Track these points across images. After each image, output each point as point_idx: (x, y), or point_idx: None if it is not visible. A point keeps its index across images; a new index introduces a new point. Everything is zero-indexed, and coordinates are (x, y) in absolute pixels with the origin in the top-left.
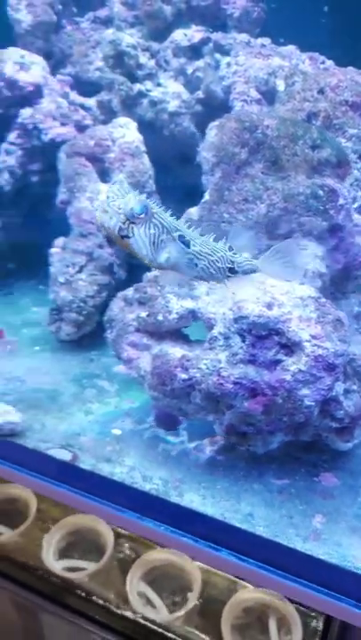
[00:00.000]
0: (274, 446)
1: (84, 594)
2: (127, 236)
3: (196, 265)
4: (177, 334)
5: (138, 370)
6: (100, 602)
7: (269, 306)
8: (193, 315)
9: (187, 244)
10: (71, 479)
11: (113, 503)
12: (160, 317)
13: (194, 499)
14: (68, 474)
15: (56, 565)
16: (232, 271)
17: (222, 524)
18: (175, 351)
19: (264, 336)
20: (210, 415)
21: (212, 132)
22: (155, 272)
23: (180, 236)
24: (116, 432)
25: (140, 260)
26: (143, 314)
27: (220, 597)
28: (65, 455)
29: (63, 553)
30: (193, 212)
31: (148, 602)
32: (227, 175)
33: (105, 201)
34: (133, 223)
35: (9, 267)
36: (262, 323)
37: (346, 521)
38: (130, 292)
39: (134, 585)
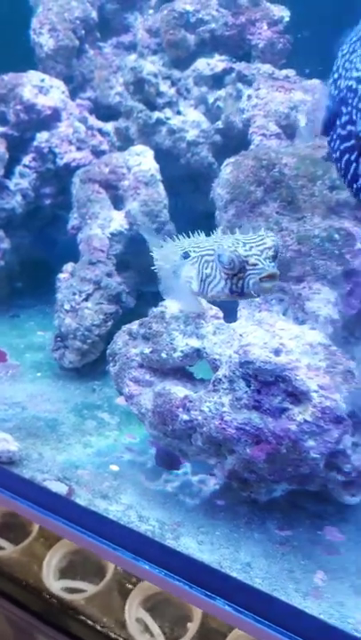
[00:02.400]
0: (277, 494)
1: (81, 617)
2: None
3: None
4: (181, 372)
5: (139, 407)
6: (97, 626)
7: (277, 352)
8: (198, 354)
9: None
10: (66, 512)
11: (108, 540)
12: (164, 355)
13: (190, 544)
14: (64, 507)
15: (55, 585)
16: None
17: (219, 572)
18: (178, 390)
19: (270, 382)
20: (211, 458)
21: (228, 168)
22: (161, 307)
23: None
24: (114, 468)
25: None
26: (147, 350)
27: (221, 630)
28: (61, 488)
29: (64, 573)
30: None
31: (147, 629)
32: (241, 213)
33: (257, 259)
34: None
35: (16, 287)
36: (269, 369)
37: (350, 580)
38: (135, 325)
39: (133, 611)
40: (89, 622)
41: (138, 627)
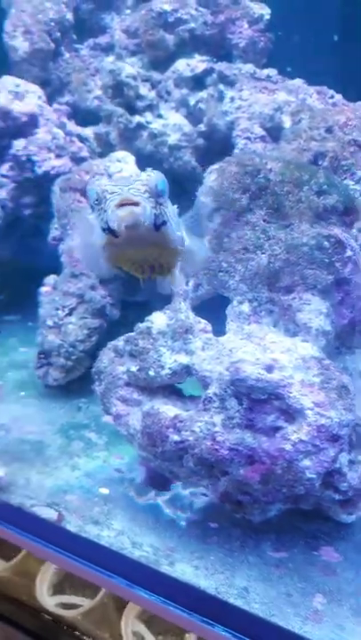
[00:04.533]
0: (272, 514)
1: (77, 633)
2: (164, 223)
3: None
4: (170, 389)
5: (127, 427)
6: None
7: (269, 368)
8: (187, 371)
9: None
10: (58, 540)
11: (103, 568)
12: (151, 373)
13: (186, 569)
14: (55, 534)
15: (49, 601)
16: None
17: (216, 599)
18: (167, 410)
19: (263, 400)
20: (203, 480)
21: (212, 176)
22: (147, 323)
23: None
24: (104, 491)
25: (154, 259)
26: (134, 368)
27: None
28: (50, 514)
29: (57, 588)
30: None
31: None
32: (226, 222)
33: (120, 188)
34: (162, 205)
35: None
36: (261, 387)
37: (349, 602)
38: (120, 342)
39: (130, 624)
40: (85, 638)
41: None
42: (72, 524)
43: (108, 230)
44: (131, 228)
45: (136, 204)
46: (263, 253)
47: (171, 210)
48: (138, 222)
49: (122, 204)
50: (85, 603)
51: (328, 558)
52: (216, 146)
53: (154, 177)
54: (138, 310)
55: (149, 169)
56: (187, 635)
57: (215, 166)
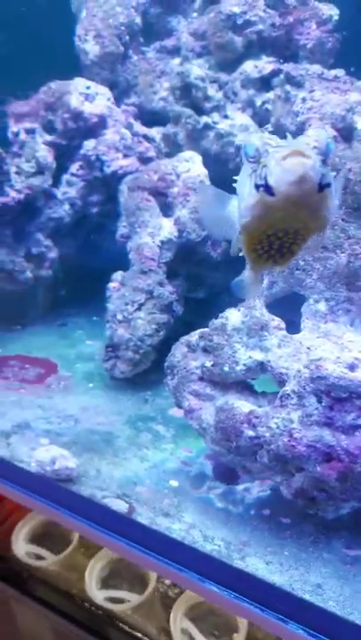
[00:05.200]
0: (344, 512)
1: (126, 627)
2: (328, 185)
3: None
4: (242, 385)
5: (199, 421)
6: (142, 636)
7: (352, 367)
8: (262, 367)
9: None
10: (131, 533)
11: (173, 561)
12: (226, 368)
13: (259, 564)
14: (128, 527)
15: (98, 595)
16: None
17: (292, 595)
18: (242, 405)
19: (343, 399)
20: (277, 476)
21: None
22: (221, 319)
23: None
24: (174, 483)
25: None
26: (208, 363)
27: None
28: (122, 506)
29: (105, 582)
30: None
31: None
32: None
33: (295, 143)
34: (327, 167)
35: (62, 296)
36: (343, 385)
37: None
38: (194, 337)
39: (178, 621)
40: (134, 632)
41: (183, 637)
42: (143, 517)
43: (265, 187)
44: (297, 182)
45: (306, 156)
46: (343, 252)
47: (332, 176)
48: (306, 176)
49: (288, 154)
50: (133, 598)
51: None
52: None
53: (324, 134)
54: (196, 307)
55: (315, 129)
56: (235, 634)
57: None
